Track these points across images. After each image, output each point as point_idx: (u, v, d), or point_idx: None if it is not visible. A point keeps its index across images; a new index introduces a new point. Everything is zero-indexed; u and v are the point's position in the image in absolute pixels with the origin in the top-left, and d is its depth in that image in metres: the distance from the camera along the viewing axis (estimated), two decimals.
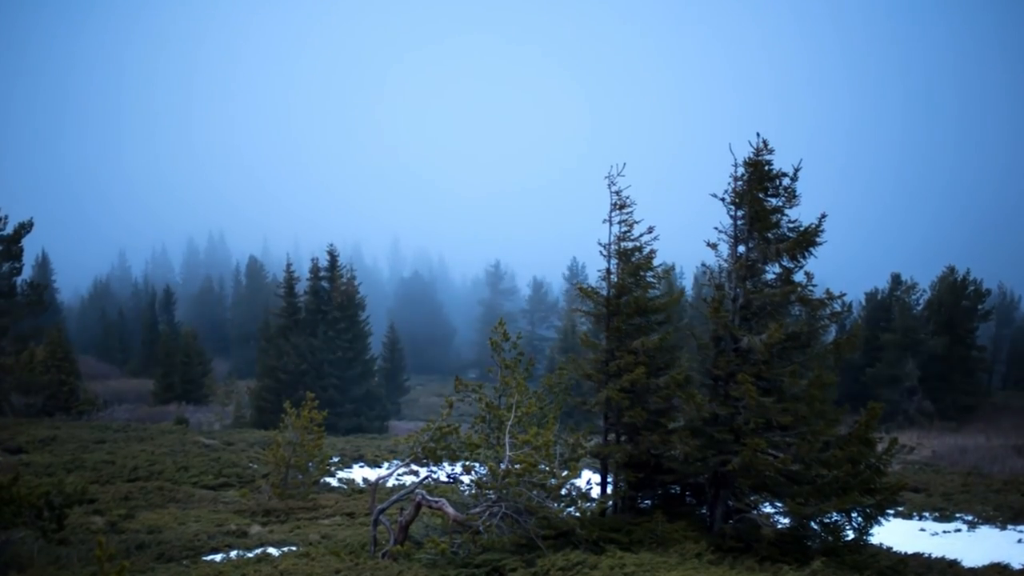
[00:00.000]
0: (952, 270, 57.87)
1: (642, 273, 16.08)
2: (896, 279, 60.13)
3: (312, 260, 47.37)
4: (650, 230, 15.96)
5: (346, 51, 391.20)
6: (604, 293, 16.20)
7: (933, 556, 17.23)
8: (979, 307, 58.27)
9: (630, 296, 15.84)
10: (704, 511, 15.66)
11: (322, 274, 46.53)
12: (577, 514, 14.37)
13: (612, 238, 16.16)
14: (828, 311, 14.95)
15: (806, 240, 14.59)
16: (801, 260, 14.80)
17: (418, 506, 13.98)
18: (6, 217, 35.84)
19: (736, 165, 14.92)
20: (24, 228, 36.44)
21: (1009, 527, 22.45)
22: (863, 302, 62.36)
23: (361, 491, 24.77)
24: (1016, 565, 16.94)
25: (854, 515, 14.16)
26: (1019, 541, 20.84)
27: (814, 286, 14.91)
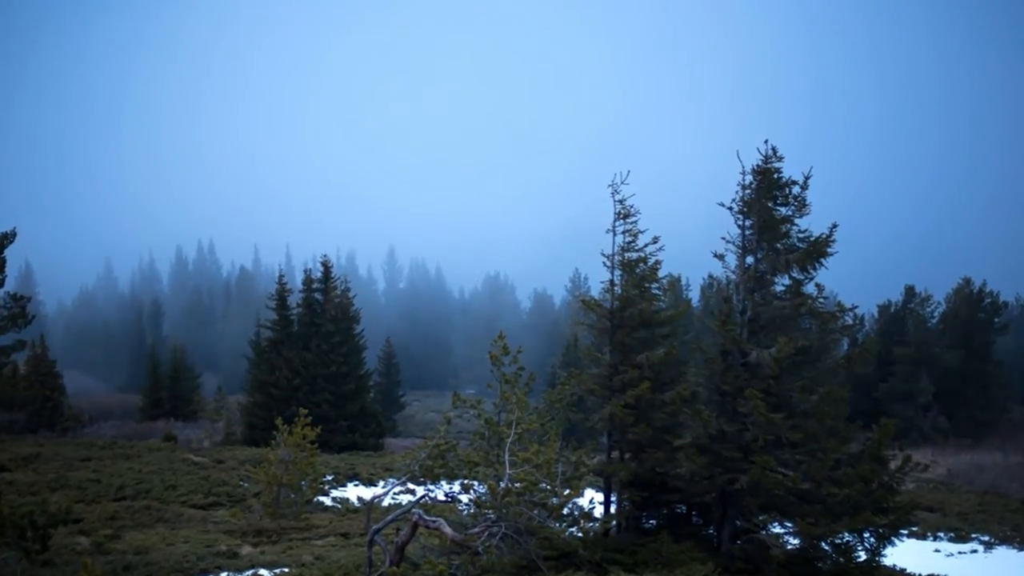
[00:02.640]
0: (968, 282, 57.84)
1: (647, 284, 16.11)
2: (910, 291, 60.10)
3: (305, 271, 47.38)
4: (655, 240, 16.02)
5: (333, 63, 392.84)
6: (607, 305, 16.23)
7: None
8: (996, 320, 58.20)
9: (634, 309, 15.86)
10: (711, 531, 15.67)
11: (315, 286, 46.50)
12: (580, 534, 14.37)
13: (616, 248, 16.22)
14: (839, 324, 14.99)
15: (816, 251, 14.64)
16: (811, 271, 14.84)
17: (415, 526, 13.96)
18: None
19: (744, 173, 14.98)
20: (7, 238, 36.42)
21: None
22: (876, 315, 62.30)
23: (356, 511, 24.72)
24: None
25: (866, 535, 14.17)
26: None
27: (825, 298, 14.95)
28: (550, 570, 13.20)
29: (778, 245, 14.92)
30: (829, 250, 14.65)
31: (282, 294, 46.59)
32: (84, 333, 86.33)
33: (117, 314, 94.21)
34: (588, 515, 14.72)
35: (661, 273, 16.30)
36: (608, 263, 16.28)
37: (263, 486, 22.96)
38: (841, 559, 14.26)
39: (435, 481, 15.14)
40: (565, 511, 14.26)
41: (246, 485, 26.58)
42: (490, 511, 13.67)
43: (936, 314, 58.57)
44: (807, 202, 14.87)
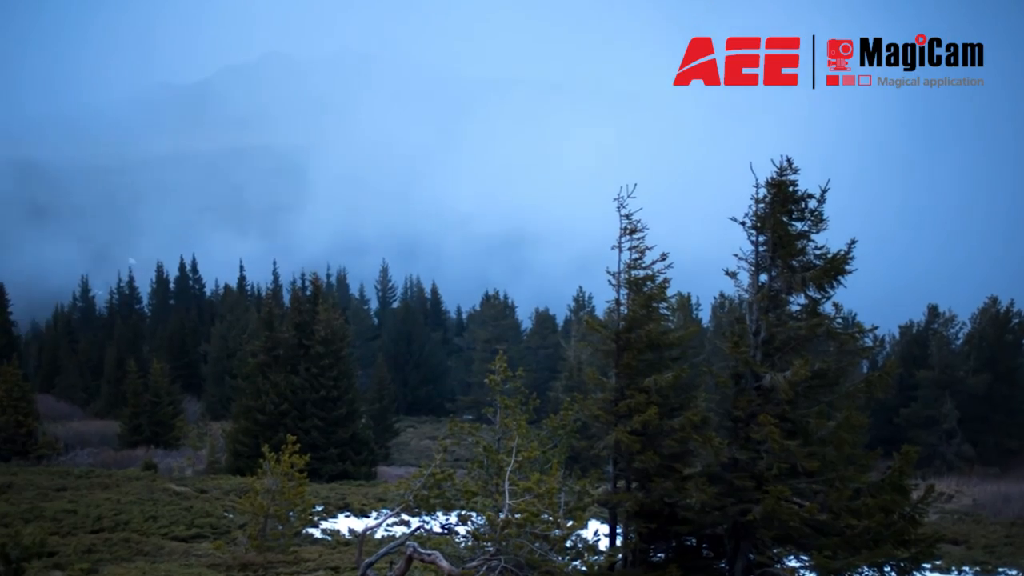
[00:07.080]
0: (994, 301, 57.89)
1: (655, 304, 16.12)
2: (933, 311, 60.14)
3: (294, 291, 47.43)
4: (663, 257, 16.03)
5: (326, 69, 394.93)
6: (613, 326, 16.23)
7: None
8: None
9: (641, 329, 15.87)
10: (723, 565, 15.62)
11: (304, 306, 46.51)
12: (584, 568, 14.33)
13: (622, 266, 16.23)
14: (858, 346, 15.00)
15: (834, 268, 14.66)
16: (829, 290, 14.85)
17: (409, 559, 13.93)
18: None
19: (758, 186, 15.01)
20: None
21: None
22: (897, 336, 62.35)
23: (347, 543, 24.68)
24: None
25: (887, 569, 14.12)
26: None
27: (843, 318, 14.97)
28: None
29: (793, 262, 14.94)
30: (847, 267, 14.67)
31: (269, 315, 46.60)
32: (59, 355, 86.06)
33: (94, 336, 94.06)
34: (593, 548, 14.69)
35: (670, 292, 16.31)
36: (614, 281, 16.30)
37: (249, 517, 22.90)
38: None
39: (431, 512, 15.11)
40: (568, 544, 14.22)
41: (231, 516, 26.52)
42: (489, 543, 13.64)
43: (961, 335, 58.57)
44: (824, 217, 14.90)
